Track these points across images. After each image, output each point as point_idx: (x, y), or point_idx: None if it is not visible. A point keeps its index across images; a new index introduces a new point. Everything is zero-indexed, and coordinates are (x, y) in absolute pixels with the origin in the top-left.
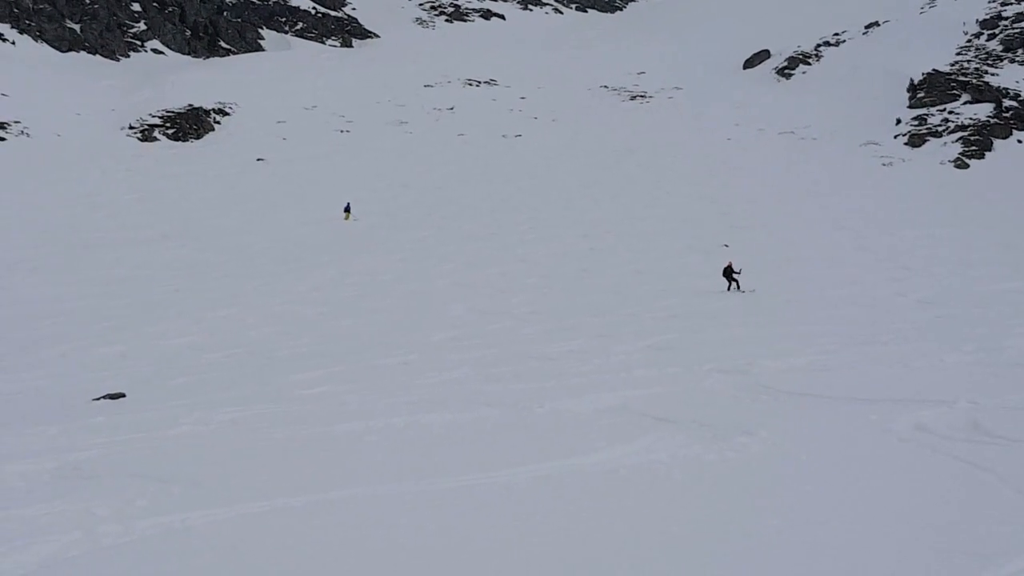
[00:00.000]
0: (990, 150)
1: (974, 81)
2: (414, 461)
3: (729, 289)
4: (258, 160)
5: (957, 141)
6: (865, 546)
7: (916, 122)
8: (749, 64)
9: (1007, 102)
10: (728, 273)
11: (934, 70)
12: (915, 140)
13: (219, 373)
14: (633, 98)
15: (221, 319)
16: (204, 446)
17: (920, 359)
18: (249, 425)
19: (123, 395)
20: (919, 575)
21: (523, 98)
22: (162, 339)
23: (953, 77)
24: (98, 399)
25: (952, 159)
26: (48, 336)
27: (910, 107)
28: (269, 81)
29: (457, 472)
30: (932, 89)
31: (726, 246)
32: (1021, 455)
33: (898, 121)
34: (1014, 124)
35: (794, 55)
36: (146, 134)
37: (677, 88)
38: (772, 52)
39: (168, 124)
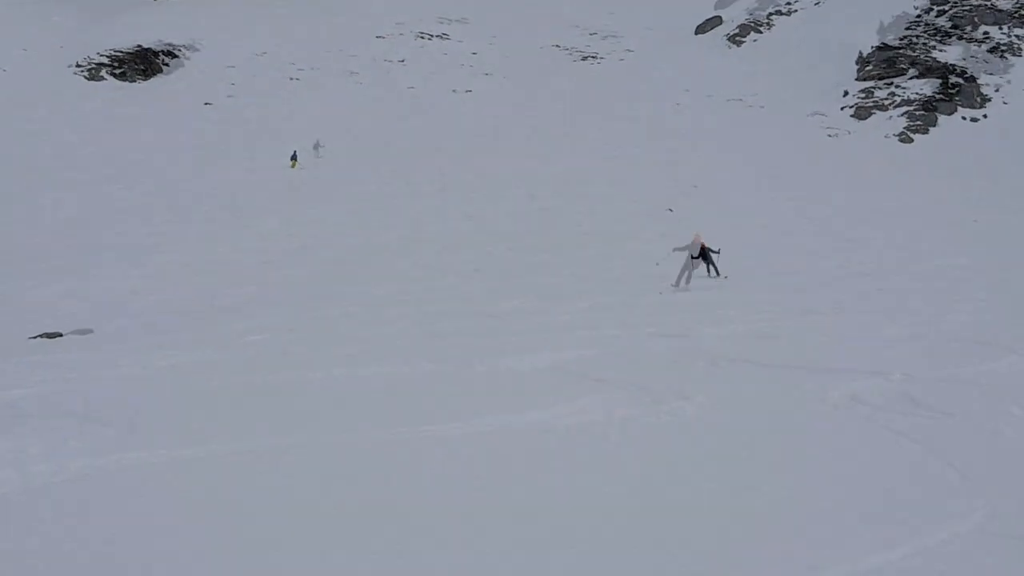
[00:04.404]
0: (935, 126)
1: (922, 56)
2: (352, 412)
3: (710, 274)
4: (206, 104)
5: (903, 115)
6: (794, 513)
7: (863, 95)
8: (701, 30)
9: (953, 78)
10: (704, 254)
11: (883, 44)
12: (861, 112)
13: (160, 317)
14: (584, 59)
15: (164, 264)
16: (142, 389)
17: (858, 331)
18: (188, 370)
19: (60, 334)
20: (846, 544)
21: (475, 54)
22: (103, 281)
23: (901, 51)
24: (35, 337)
25: (897, 133)
26: None
27: (858, 79)
28: (221, 27)
29: (393, 425)
30: (880, 63)
31: (670, 210)
32: (951, 428)
33: (845, 93)
34: (959, 101)
35: (746, 23)
36: (93, 73)
37: (628, 51)
38: (724, 19)
39: (116, 64)
